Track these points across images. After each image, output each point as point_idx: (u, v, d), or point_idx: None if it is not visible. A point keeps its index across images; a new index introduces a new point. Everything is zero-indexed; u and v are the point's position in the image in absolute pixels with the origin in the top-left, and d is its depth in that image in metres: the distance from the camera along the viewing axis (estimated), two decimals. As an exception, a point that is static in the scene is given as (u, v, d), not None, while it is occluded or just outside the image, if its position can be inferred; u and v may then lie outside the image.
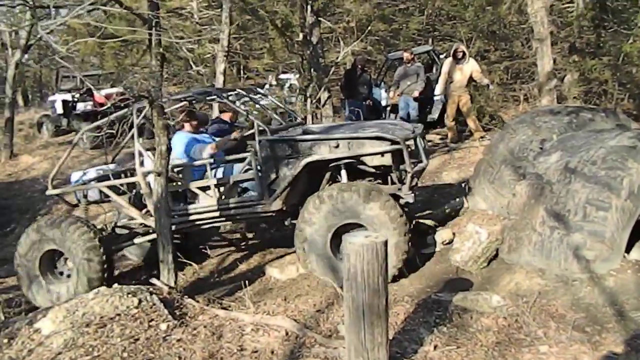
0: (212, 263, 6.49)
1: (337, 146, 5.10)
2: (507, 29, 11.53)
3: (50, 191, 5.98)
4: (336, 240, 4.95)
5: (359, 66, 10.19)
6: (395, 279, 4.92)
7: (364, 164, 5.22)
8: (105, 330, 3.86)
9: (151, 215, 5.49)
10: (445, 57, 10.11)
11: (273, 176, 5.25)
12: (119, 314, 4.04)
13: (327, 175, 5.34)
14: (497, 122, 9.88)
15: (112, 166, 6.43)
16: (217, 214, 5.49)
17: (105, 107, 11.09)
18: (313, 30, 9.43)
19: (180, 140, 5.69)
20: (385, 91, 10.81)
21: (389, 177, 5.43)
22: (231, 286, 5.59)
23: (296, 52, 10.12)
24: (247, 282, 5.28)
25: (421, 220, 5.87)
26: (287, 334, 3.94)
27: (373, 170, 5.31)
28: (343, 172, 5.23)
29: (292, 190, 5.27)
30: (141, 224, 5.84)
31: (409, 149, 5.06)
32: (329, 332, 4.01)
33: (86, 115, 13.17)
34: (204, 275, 6.20)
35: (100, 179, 5.99)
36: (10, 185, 11.22)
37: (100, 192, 5.78)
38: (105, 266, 5.43)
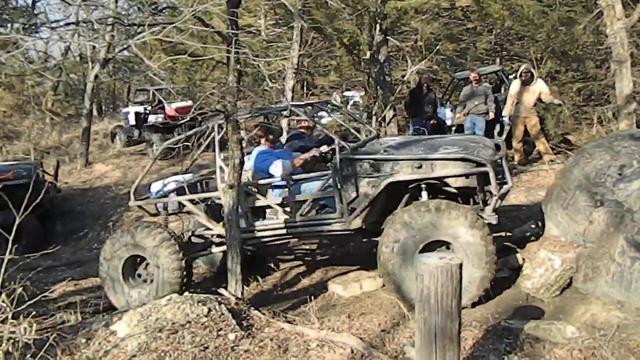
0: (275, 277, 6.57)
1: (420, 167, 5.01)
2: (581, 49, 11.16)
3: (133, 202, 6.12)
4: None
5: (425, 85, 10.15)
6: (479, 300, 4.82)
7: (447, 184, 5.12)
8: (176, 337, 3.98)
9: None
10: (514, 77, 9.92)
11: (353, 195, 5.21)
12: (189, 322, 4.16)
13: (407, 194, 5.28)
14: (568, 145, 9.56)
15: (188, 176, 6.55)
16: (294, 230, 5.50)
17: (181, 121, 11.53)
18: (381, 49, 9.49)
19: (259, 157, 5.73)
20: (451, 111, 10.70)
21: (470, 197, 5.32)
22: (294, 300, 5.63)
23: (363, 70, 10.20)
24: (310, 297, 5.32)
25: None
26: (352, 352, 3.93)
27: (455, 190, 5.20)
28: (424, 193, 5.15)
29: (371, 208, 5.23)
30: (216, 235, 5.93)
31: (498, 172, 4.93)
32: (395, 352, 3.97)
33: (157, 127, 13.71)
34: (267, 288, 6.28)
35: (179, 190, 6.09)
36: (84, 191, 11.82)
37: (179, 202, 5.90)
38: (184, 273, 5.55)
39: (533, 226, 5.88)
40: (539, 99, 9.05)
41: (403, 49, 11.97)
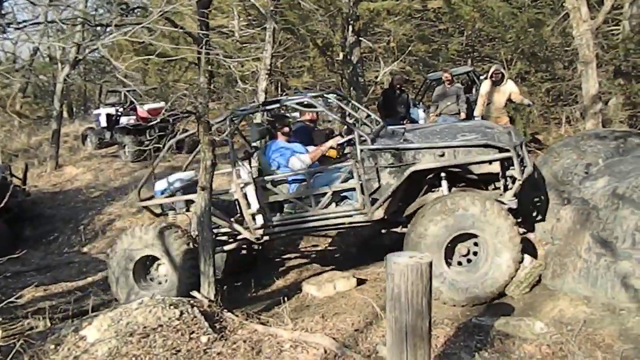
0: (249, 278, 6.54)
1: (443, 155, 5.02)
2: (549, 50, 11.38)
3: (139, 203, 6.00)
4: (450, 248, 4.90)
5: (397, 86, 10.20)
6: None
7: (469, 171, 5.14)
8: (148, 341, 3.94)
9: (241, 224, 5.52)
10: (485, 78, 10.05)
11: (375, 185, 5.17)
12: (161, 325, 4.12)
13: (428, 183, 5.30)
14: (538, 145, 9.74)
15: (190, 174, 6.40)
16: (315, 224, 5.43)
17: (152, 122, 11.38)
18: (353, 50, 9.53)
19: (275, 150, 5.63)
20: (424, 111, 10.79)
21: (489, 184, 5.35)
22: (268, 302, 5.62)
23: (336, 71, 10.23)
24: (284, 298, 5.31)
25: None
26: (325, 352, 3.94)
27: (475, 177, 5.22)
28: (444, 181, 5.17)
29: (392, 199, 5.19)
30: (222, 234, 5.84)
31: (519, 156, 4.97)
32: (368, 352, 3.99)
33: (129, 129, 13.51)
34: (241, 289, 6.25)
35: (185, 188, 5.94)
36: (54, 195, 11.56)
37: (186, 201, 5.75)
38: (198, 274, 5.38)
39: None
40: (509, 100, 9.19)
41: (376, 50, 12.05)
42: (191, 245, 5.44)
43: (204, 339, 4.04)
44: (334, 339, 4.11)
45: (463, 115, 9.76)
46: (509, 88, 9.11)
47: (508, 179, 5.12)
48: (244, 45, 14.40)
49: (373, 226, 5.59)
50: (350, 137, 5.43)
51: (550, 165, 5.78)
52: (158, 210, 6.04)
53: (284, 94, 13.92)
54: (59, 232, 9.67)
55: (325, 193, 5.32)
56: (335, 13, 9.88)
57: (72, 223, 9.90)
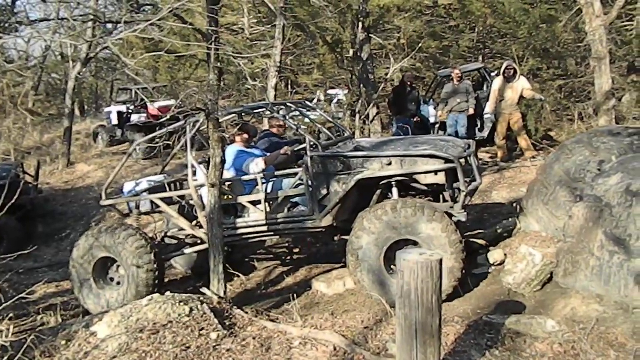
0: (259, 275, 6.55)
1: (390, 163, 5.07)
2: (562, 47, 11.26)
3: (104, 201, 6.07)
4: (389, 254, 4.88)
5: (408, 83, 10.17)
6: (445, 300, 4.82)
7: (417, 181, 5.17)
8: (158, 337, 3.95)
9: (200, 227, 5.56)
10: (496, 75, 9.97)
11: (324, 192, 5.25)
12: (171, 322, 4.13)
13: (378, 192, 5.32)
14: (550, 142, 9.65)
15: (162, 177, 6.53)
16: (266, 228, 5.50)
17: (162, 119, 11.45)
18: (364, 47, 9.50)
19: (231, 154, 5.75)
20: (434, 108, 10.74)
21: (440, 195, 5.37)
22: (278, 299, 5.62)
23: (346, 68, 10.21)
24: (294, 295, 5.30)
25: (472, 240, 5.76)
26: (335, 349, 3.92)
27: (425, 188, 5.26)
28: (394, 190, 5.19)
29: (342, 206, 5.25)
30: (189, 235, 5.92)
31: (463, 168, 5.00)
32: (377, 349, 3.97)
33: (140, 126, 13.59)
34: (251, 286, 6.26)
35: (151, 190, 6.08)
36: (66, 192, 11.67)
37: (152, 202, 5.87)
38: (155, 275, 5.51)
39: (506, 222, 5.93)
40: (522, 96, 9.12)
41: (386, 47, 12.01)
42: (146, 246, 5.49)
43: (213, 335, 4.05)
44: (343, 336, 4.09)
45: (472, 111, 9.71)
46: (521, 84, 9.06)
47: (456, 191, 5.13)
48: (254, 42, 14.42)
49: (326, 233, 5.61)
50: (304, 145, 5.47)
51: (563, 162, 5.71)
52: (126, 211, 6.13)
53: (294, 91, 13.92)
54: (70, 229, 9.76)
55: (278, 198, 5.40)
56: (345, 10, 9.85)
57: (83, 220, 9.99)
